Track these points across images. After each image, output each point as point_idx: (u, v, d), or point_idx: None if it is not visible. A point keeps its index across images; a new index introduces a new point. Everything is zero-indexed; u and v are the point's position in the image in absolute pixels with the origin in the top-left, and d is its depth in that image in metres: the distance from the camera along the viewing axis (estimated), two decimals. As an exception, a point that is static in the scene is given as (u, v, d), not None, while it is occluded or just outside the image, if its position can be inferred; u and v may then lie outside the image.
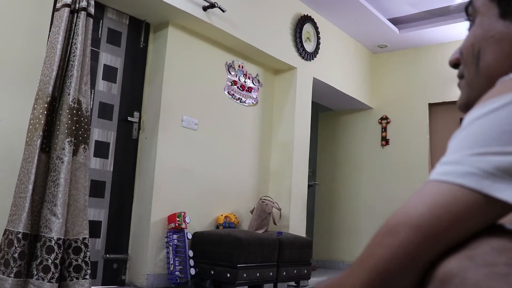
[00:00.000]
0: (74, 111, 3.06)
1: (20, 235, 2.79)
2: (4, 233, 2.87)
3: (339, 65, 6.10)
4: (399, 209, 0.63)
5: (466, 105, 0.78)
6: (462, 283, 0.54)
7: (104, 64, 4.02)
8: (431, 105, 6.31)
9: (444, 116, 6.17)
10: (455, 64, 0.82)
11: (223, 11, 4.35)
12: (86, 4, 3.20)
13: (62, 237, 2.91)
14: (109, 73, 4.06)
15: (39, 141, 2.92)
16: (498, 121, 0.57)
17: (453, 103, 5.97)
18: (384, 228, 0.63)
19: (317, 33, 5.61)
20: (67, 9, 3.12)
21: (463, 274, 0.54)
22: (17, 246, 2.79)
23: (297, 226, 5.14)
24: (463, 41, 0.79)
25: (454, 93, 5.84)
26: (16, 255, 2.78)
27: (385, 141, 6.45)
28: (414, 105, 6.36)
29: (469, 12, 0.79)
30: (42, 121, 2.95)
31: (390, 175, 6.31)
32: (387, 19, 5.81)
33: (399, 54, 6.62)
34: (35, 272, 2.82)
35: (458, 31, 5.60)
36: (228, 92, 4.85)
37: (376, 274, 0.62)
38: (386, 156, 6.41)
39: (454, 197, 0.57)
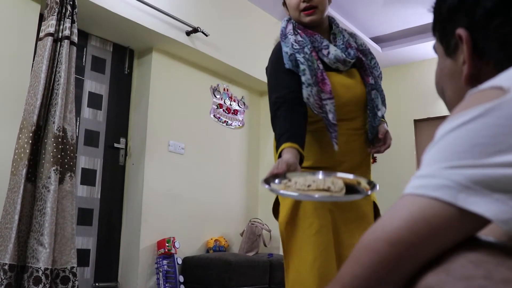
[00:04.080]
0: (60, 139, 3.04)
1: (6, 267, 2.75)
2: (-10, 265, 2.83)
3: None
4: (375, 224, 0.63)
5: None
6: (441, 297, 0.54)
7: (89, 91, 4.02)
8: (416, 121, 6.37)
9: (430, 132, 6.22)
10: None
11: (206, 35, 4.39)
12: (69, 32, 3.22)
13: (50, 267, 2.86)
14: (94, 100, 4.05)
15: (24, 171, 2.90)
16: (469, 134, 0.58)
17: (438, 118, 6.03)
18: (362, 244, 0.64)
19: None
20: (50, 38, 3.13)
21: (441, 288, 0.55)
22: (3, 278, 2.75)
23: (287, 247, 5.11)
24: (434, 79, 0.88)
25: (439, 109, 5.90)
26: (2, 287, 2.73)
27: (373, 159, 6.48)
28: (399, 122, 6.41)
29: (436, 53, 0.86)
30: (27, 151, 2.93)
31: (379, 192, 6.29)
32: (369, 38, 5.88)
33: (383, 72, 6.57)
34: (23, 304, 2.77)
35: (439, 48, 5.67)
36: (214, 115, 4.87)
37: None
38: (374, 173, 6.40)
39: (430, 210, 0.58)
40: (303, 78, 1.84)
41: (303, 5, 1.94)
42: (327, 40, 1.96)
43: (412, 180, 0.63)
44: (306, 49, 1.90)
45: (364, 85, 1.98)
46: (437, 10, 0.80)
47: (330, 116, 1.84)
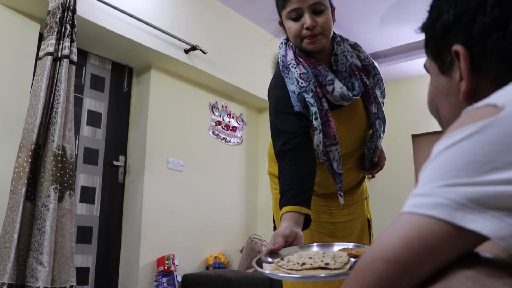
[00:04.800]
0: (59, 158, 3.05)
1: (5, 287, 2.74)
2: (-11, 285, 2.82)
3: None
4: (374, 243, 0.64)
5: None
6: (439, 313, 0.55)
7: (88, 110, 4.03)
8: (414, 136, 6.39)
9: (428, 147, 6.23)
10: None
11: (205, 53, 4.42)
12: (69, 52, 3.24)
13: (49, 286, 2.85)
14: (93, 118, 4.07)
15: (24, 189, 2.89)
16: (463, 152, 0.59)
17: (436, 133, 6.05)
18: (361, 263, 0.64)
19: (299, 70, 5.68)
20: (49, 57, 3.15)
21: (440, 304, 0.55)
22: (2, 297, 2.73)
23: (287, 264, 5.09)
24: (427, 98, 0.88)
25: (437, 124, 5.89)
26: (1, 307, 2.72)
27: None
28: (397, 137, 6.42)
29: (427, 71, 0.86)
30: (27, 169, 2.93)
31: (378, 208, 6.29)
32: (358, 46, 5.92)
33: (380, 88, 6.69)
34: (22, 324, 2.76)
35: (436, 63, 5.72)
36: (212, 132, 4.88)
37: None
38: (373, 188, 6.40)
39: (427, 229, 0.59)
40: (315, 123, 1.68)
41: (306, 33, 1.70)
42: (331, 73, 1.76)
43: (409, 199, 0.63)
44: (311, 85, 1.71)
45: (368, 116, 1.85)
46: (430, 28, 0.80)
47: (335, 165, 1.72)
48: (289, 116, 1.70)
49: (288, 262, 1.19)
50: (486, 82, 0.73)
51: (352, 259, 1.19)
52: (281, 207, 1.56)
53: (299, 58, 1.77)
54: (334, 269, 1.11)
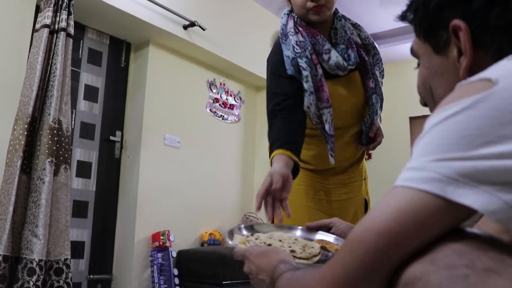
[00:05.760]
0: (55, 131, 3.05)
1: (0, 258, 2.76)
2: (-16, 256, 2.83)
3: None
4: (366, 216, 0.64)
5: None
6: (425, 286, 0.55)
7: (85, 84, 4.01)
8: (412, 119, 6.39)
9: (425, 129, 6.24)
10: (424, 103, 0.90)
11: (204, 30, 4.38)
12: (66, 24, 3.21)
13: (44, 259, 2.87)
14: (90, 93, 4.05)
15: (19, 162, 2.90)
16: (456, 126, 0.59)
17: (433, 116, 6.05)
18: (352, 235, 0.65)
19: (298, 49, 5.66)
20: (46, 30, 3.12)
21: (426, 277, 0.56)
22: (-3, 268, 2.75)
23: (282, 242, 5.13)
24: (417, 82, 0.87)
25: (434, 106, 5.92)
26: (-4, 278, 2.74)
27: (367, 155, 6.49)
28: (395, 119, 6.42)
29: (413, 55, 0.87)
30: (22, 142, 2.93)
31: (374, 189, 6.32)
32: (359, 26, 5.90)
33: (379, 69, 6.67)
34: (17, 295, 2.78)
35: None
36: (210, 110, 4.87)
37: (345, 281, 0.63)
38: (370, 170, 6.41)
39: (419, 203, 0.59)
40: (305, 85, 1.77)
41: (310, 4, 1.81)
42: (328, 43, 1.85)
43: (402, 173, 0.64)
44: (307, 52, 1.81)
45: (365, 90, 1.91)
46: (422, 8, 0.80)
47: (327, 126, 1.79)
48: (282, 79, 1.82)
49: (256, 239, 1.17)
50: (486, 56, 0.72)
51: (329, 253, 1.16)
52: (272, 151, 1.65)
53: (299, 28, 1.87)
54: (299, 258, 1.07)
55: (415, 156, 0.63)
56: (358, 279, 0.62)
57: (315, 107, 1.77)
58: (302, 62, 1.79)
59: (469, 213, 0.59)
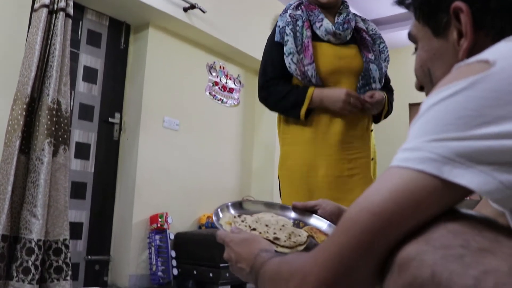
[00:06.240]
0: (54, 112, 3.04)
1: (-1, 237, 2.77)
2: (-17, 235, 2.84)
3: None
4: (361, 196, 0.64)
5: None
6: (420, 266, 0.55)
7: (84, 65, 4.00)
8: (411, 105, 6.38)
9: (424, 116, 6.23)
10: (420, 87, 0.90)
11: (204, 12, 4.36)
12: (65, 4, 3.19)
13: (42, 239, 2.89)
14: (89, 74, 4.04)
15: (18, 142, 2.90)
16: (453, 107, 0.59)
17: (432, 102, 6.04)
18: (347, 216, 0.65)
19: (298, 34, 5.63)
20: (45, 10, 3.10)
21: (421, 257, 0.56)
22: (-4, 248, 2.77)
23: (279, 226, 5.15)
24: (414, 65, 0.87)
25: (434, 93, 5.90)
26: (-5, 257, 2.76)
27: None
28: (394, 105, 6.35)
29: (411, 40, 0.87)
30: (21, 122, 2.93)
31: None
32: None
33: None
34: (15, 274, 2.80)
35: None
36: (209, 93, 4.86)
37: (340, 261, 0.63)
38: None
39: (415, 183, 0.59)
40: (285, 48, 1.96)
41: None
42: (323, 15, 2.03)
43: (398, 153, 0.64)
44: (299, 22, 2.00)
45: (363, 60, 2.03)
46: None
47: (313, 80, 1.94)
48: (272, 48, 2.04)
49: (242, 221, 1.10)
50: (487, 39, 0.72)
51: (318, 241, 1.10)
52: (305, 93, 1.92)
53: (302, 6, 2.07)
54: (282, 246, 1.00)
55: (411, 137, 0.63)
56: (353, 259, 0.62)
57: (298, 66, 1.94)
58: (288, 29, 1.98)
59: (465, 193, 0.59)
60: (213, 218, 1.14)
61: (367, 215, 0.61)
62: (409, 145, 0.62)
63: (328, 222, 1.22)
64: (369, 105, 1.97)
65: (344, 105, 1.89)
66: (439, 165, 0.58)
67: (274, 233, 1.03)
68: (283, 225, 1.10)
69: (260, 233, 1.03)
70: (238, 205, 1.24)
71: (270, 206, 1.28)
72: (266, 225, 1.08)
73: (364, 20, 2.16)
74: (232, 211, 1.20)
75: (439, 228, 0.58)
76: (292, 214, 1.26)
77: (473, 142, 0.56)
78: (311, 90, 1.93)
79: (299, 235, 1.06)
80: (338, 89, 1.92)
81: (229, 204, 1.23)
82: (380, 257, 0.61)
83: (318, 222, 1.23)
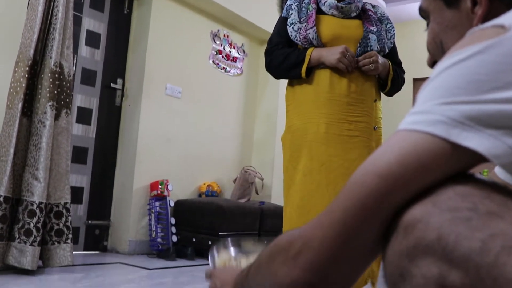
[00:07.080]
0: (56, 75, 3.02)
1: (1, 199, 2.78)
2: (-15, 197, 2.86)
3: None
4: (367, 160, 0.63)
5: None
6: (426, 228, 0.55)
7: (87, 30, 3.96)
8: (415, 80, 6.34)
9: (428, 91, 6.19)
10: (433, 63, 0.87)
11: (209, -21, 4.29)
12: (69, -34, 3.13)
13: (44, 201, 2.90)
14: (92, 39, 4.00)
15: (20, 105, 2.88)
16: (466, 71, 0.58)
17: (436, 78, 6.00)
18: (352, 179, 0.64)
19: (304, 4, 5.56)
20: (49, -29, 3.05)
21: (427, 219, 0.55)
22: (-2, 209, 2.78)
23: (279, 196, 5.17)
24: (427, 39, 0.87)
25: (438, 68, 5.86)
26: (-3, 218, 2.77)
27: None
28: (398, 79, 6.36)
29: (422, 15, 0.86)
30: (23, 85, 2.91)
31: (373, 148, 6.34)
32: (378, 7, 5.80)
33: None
34: (17, 236, 2.82)
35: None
36: (212, 61, 4.82)
37: (345, 225, 0.62)
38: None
39: (422, 145, 0.58)
40: (288, 20, 2.13)
41: None
42: None
43: (407, 117, 0.63)
44: (306, 0, 2.16)
45: (365, 31, 2.12)
46: None
47: (314, 42, 2.06)
48: (279, 22, 2.22)
49: (237, 264, 1.06)
50: (501, 6, 0.71)
51: None
52: (305, 53, 2.04)
53: None
54: None
55: (420, 100, 0.62)
56: (358, 222, 0.61)
57: (296, 33, 2.09)
58: (294, 5, 2.16)
59: (473, 159, 0.58)
60: (209, 255, 1.11)
61: (373, 178, 0.60)
62: (418, 108, 0.61)
63: None
64: (363, 64, 2.05)
65: (341, 56, 1.97)
66: (447, 127, 0.57)
67: None
68: None
69: None
70: (237, 243, 1.18)
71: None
72: None
73: (374, 6, 2.28)
74: (231, 249, 1.15)
75: (447, 190, 0.57)
76: None
77: (483, 106, 0.55)
78: (310, 49, 2.05)
79: None
80: (336, 46, 2.03)
81: (228, 240, 1.17)
82: (385, 220, 0.61)
83: None
